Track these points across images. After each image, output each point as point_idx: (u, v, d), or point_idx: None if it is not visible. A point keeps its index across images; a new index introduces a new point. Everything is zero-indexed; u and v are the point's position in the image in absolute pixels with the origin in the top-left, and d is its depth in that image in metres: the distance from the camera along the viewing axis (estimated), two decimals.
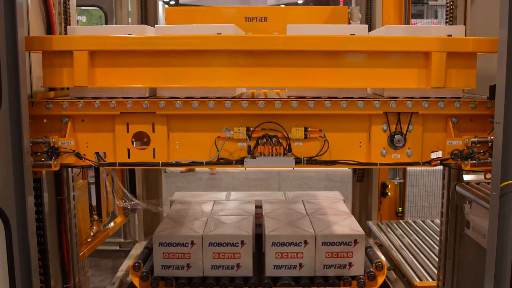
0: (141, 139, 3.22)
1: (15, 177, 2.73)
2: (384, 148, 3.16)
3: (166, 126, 3.13)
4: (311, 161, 3.15)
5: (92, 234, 4.90)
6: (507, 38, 2.58)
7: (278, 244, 4.12)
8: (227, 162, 3.15)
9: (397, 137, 3.12)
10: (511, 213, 2.70)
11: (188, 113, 3.09)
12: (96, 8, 6.98)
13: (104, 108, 3.07)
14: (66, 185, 3.98)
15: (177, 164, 3.19)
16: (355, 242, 4.13)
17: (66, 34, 3.98)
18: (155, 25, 3.51)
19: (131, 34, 3.11)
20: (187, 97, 3.11)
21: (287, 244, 4.11)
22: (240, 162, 3.12)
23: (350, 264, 4.16)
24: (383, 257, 4.65)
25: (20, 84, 2.68)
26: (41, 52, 3.10)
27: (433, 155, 3.17)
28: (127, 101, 3.05)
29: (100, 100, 3.06)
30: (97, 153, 3.16)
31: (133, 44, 2.98)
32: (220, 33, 3.07)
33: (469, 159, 3.02)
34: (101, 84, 3.06)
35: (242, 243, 4.14)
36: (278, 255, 4.13)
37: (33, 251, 2.83)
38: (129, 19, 6.09)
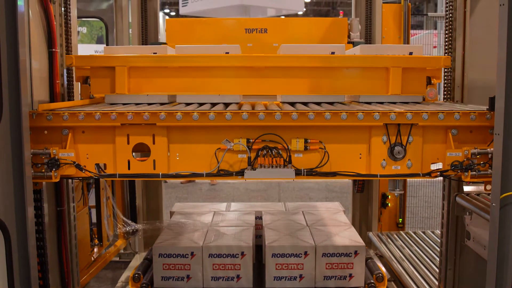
0: (142, 150, 3.23)
1: (16, 188, 2.73)
2: (384, 159, 3.17)
3: (166, 137, 3.16)
4: (311, 173, 3.15)
5: (93, 259, 4.88)
6: (506, 58, 2.60)
7: (278, 255, 4.11)
8: (227, 174, 3.15)
9: (397, 148, 3.13)
10: (511, 224, 2.70)
11: (188, 125, 3.10)
12: (97, 19, 7.01)
13: (104, 119, 3.08)
14: (66, 196, 3.98)
15: (177, 176, 3.20)
16: (356, 253, 4.12)
17: (67, 45, 4.02)
18: (176, 45, 4.04)
19: (156, 52, 3.84)
20: (201, 103, 3.67)
21: (287, 255, 4.10)
22: (240, 173, 3.13)
23: (351, 276, 4.14)
24: (383, 268, 4.63)
25: (21, 96, 2.69)
26: (89, 67, 3.79)
27: (433, 167, 3.17)
28: (128, 112, 3.07)
29: (101, 111, 3.08)
30: (97, 165, 3.17)
31: (161, 61, 3.71)
32: (228, 52, 3.81)
33: (469, 171, 3.03)
34: (135, 92, 3.71)
35: (242, 254, 4.13)
36: (278, 266, 4.12)
37: (33, 262, 2.83)
38: (130, 30, 6.12)
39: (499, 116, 2.68)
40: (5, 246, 2.71)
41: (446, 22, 4.35)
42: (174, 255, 4.13)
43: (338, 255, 4.11)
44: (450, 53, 4.32)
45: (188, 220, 4.93)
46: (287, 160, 3.12)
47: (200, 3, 11.09)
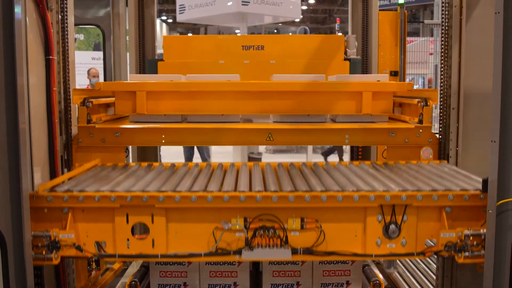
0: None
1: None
2: (379, 237, 3.22)
3: (165, 217, 3.20)
4: (307, 252, 3.20)
5: (90, 284, 4.85)
6: (501, 65, 2.61)
7: (275, 263, 4.09)
8: (225, 253, 3.20)
9: (392, 227, 3.18)
10: (508, 231, 2.71)
11: (186, 206, 3.17)
12: (94, 26, 7.01)
13: (104, 201, 3.14)
14: None
15: (175, 256, 3.25)
16: (352, 260, 4.11)
17: (64, 52, 4.01)
18: (186, 74, 4.59)
19: (171, 80, 4.38)
20: (206, 122, 4.24)
21: (284, 262, 4.09)
22: (238, 253, 3.17)
23: (348, 283, 4.13)
24: (380, 275, 4.62)
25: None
26: (114, 90, 4.29)
27: (428, 243, 3.22)
28: (127, 194, 3.14)
29: (100, 194, 3.15)
30: (97, 243, 3.22)
31: (174, 87, 4.24)
32: (229, 80, 4.39)
33: (463, 252, 3.06)
34: (152, 112, 4.21)
35: (239, 261, 4.12)
36: (275, 274, 4.10)
37: (29, 277, 2.82)
38: (127, 37, 6.12)
39: (496, 120, 2.69)
40: (2, 258, 2.70)
41: (442, 30, 4.36)
42: (171, 263, 4.12)
43: (335, 262, 4.10)
44: (446, 60, 4.34)
45: None
46: (284, 239, 3.16)
47: (197, 10, 11.09)
